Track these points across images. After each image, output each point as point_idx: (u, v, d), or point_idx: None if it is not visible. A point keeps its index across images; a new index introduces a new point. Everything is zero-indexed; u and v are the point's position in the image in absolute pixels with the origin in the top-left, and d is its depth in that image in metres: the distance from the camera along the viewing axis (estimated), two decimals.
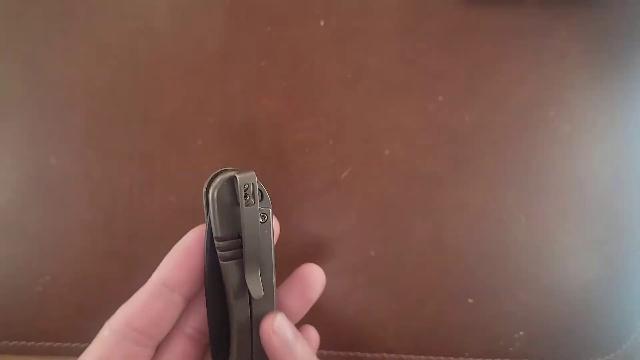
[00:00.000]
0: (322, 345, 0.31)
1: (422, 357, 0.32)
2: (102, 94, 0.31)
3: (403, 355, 0.32)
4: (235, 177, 0.22)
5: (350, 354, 0.32)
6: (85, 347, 0.31)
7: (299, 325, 0.25)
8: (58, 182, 0.31)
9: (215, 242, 0.22)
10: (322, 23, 0.31)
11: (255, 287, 0.22)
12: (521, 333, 0.31)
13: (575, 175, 0.31)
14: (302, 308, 0.24)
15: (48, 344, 0.31)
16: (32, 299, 0.31)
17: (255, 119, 0.31)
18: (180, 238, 0.31)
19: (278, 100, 0.31)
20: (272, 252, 0.23)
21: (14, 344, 0.31)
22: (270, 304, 0.23)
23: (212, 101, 0.31)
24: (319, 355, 0.32)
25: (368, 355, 0.32)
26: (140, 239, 0.31)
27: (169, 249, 0.32)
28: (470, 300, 0.31)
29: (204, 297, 0.23)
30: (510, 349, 0.31)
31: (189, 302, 0.23)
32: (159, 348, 0.22)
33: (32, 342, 0.31)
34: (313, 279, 0.24)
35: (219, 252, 0.22)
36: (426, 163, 0.31)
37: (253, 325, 0.23)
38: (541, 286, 0.31)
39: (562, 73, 0.31)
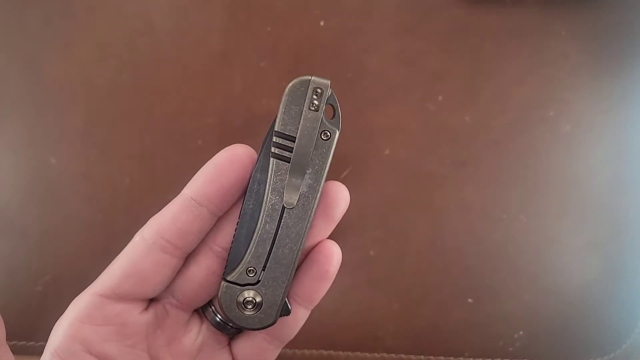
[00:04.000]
0: (322, 345, 0.31)
1: (422, 357, 0.31)
2: (102, 94, 0.31)
3: (403, 355, 0.32)
4: (310, 79, 0.22)
5: (350, 354, 0.32)
6: None
7: None
8: (58, 181, 0.31)
9: (273, 137, 0.22)
10: (322, 23, 0.31)
11: (291, 194, 0.22)
12: (521, 333, 0.31)
13: (575, 175, 0.31)
14: (326, 227, 0.24)
15: None
16: (32, 299, 0.31)
17: (255, 119, 0.31)
18: None
19: (278, 100, 0.31)
20: (324, 173, 0.22)
21: (13, 343, 0.31)
22: (303, 220, 0.22)
23: (212, 101, 0.31)
24: (318, 355, 0.32)
25: (368, 355, 0.32)
26: None
27: None
28: (470, 300, 0.31)
29: (233, 217, 0.23)
30: (510, 348, 0.31)
31: (217, 219, 0.23)
32: (187, 260, 0.23)
33: (32, 342, 0.31)
34: (336, 196, 0.23)
35: (272, 148, 0.22)
36: (426, 163, 0.31)
37: (279, 232, 0.22)
38: (541, 286, 0.31)
39: (561, 73, 0.31)
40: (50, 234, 0.31)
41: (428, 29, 0.31)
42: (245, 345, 0.24)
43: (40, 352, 0.31)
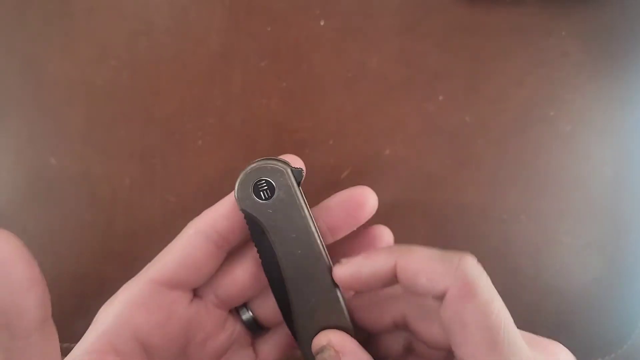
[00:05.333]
0: None
1: None
2: (102, 94, 0.31)
3: None
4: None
5: None
6: None
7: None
8: (58, 182, 0.31)
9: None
10: (322, 23, 0.31)
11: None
12: None
13: (575, 175, 0.31)
14: (347, 228, 0.25)
15: None
16: None
17: (255, 119, 0.31)
18: None
19: (278, 100, 0.31)
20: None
21: None
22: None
23: (212, 101, 0.31)
24: None
25: None
26: (140, 239, 0.31)
27: None
28: None
29: None
30: None
31: None
32: (233, 263, 0.24)
33: None
34: (364, 198, 0.24)
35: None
36: (426, 163, 0.31)
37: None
38: (541, 286, 0.31)
39: (562, 73, 0.31)
40: (50, 233, 0.31)
41: (428, 29, 0.31)
42: (269, 345, 0.25)
43: None
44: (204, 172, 0.31)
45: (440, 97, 0.31)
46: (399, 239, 0.31)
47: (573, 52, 0.31)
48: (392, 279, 0.21)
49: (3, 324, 0.18)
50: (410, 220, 0.31)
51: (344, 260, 0.22)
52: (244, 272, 0.24)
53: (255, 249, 0.23)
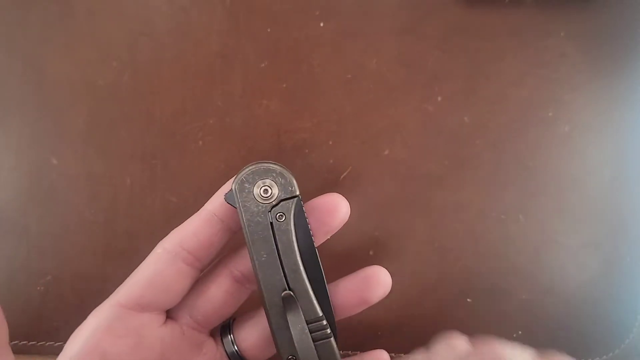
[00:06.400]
0: None
1: None
2: (103, 94, 0.31)
3: (402, 355, 0.32)
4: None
5: (350, 353, 0.32)
6: None
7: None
8: (59, 181, 0.31)
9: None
10: (321, 24, 0.31)
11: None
12: (519, 332, 0.31)
13: (573, 175, 0.31)
14: (357, 306, 0.25)
15: (48, 344, 0.31)
16: (33, 299, 0.31)
17: (255, 119, 0.31)
18: None
19: (278, 101, 0.31)
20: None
21: (14, 343, 0.31)
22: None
23: (212, 101, 0.31)
24: None
25: None
26: (140, 239, 0.31)
27: None
28: (468, 300, 0.31)
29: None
30: None
31: (234, 234, 0.24)
32: (207, 282, 0.24)
33: (33, 342, 0.31)
34: (376, 281, 0.25)
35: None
36: (425, 163, 0.31)
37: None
38: (539, 285, 0.31)
39: (560, 73, 0.31)
40: (51, 234, 0.31)
41: (427, 30, 0.31)
42: None
43: (40, 351, 0.31)
44: (205, 172, 0.31)
45: (439, 98, 0.31)
46: (398, 239, 0.31)
47: (572, 53, 0.31)
48: None
49: None
50: (409, 220, 0.31)
51: None
52: (218, 290, 0.23)
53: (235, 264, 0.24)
